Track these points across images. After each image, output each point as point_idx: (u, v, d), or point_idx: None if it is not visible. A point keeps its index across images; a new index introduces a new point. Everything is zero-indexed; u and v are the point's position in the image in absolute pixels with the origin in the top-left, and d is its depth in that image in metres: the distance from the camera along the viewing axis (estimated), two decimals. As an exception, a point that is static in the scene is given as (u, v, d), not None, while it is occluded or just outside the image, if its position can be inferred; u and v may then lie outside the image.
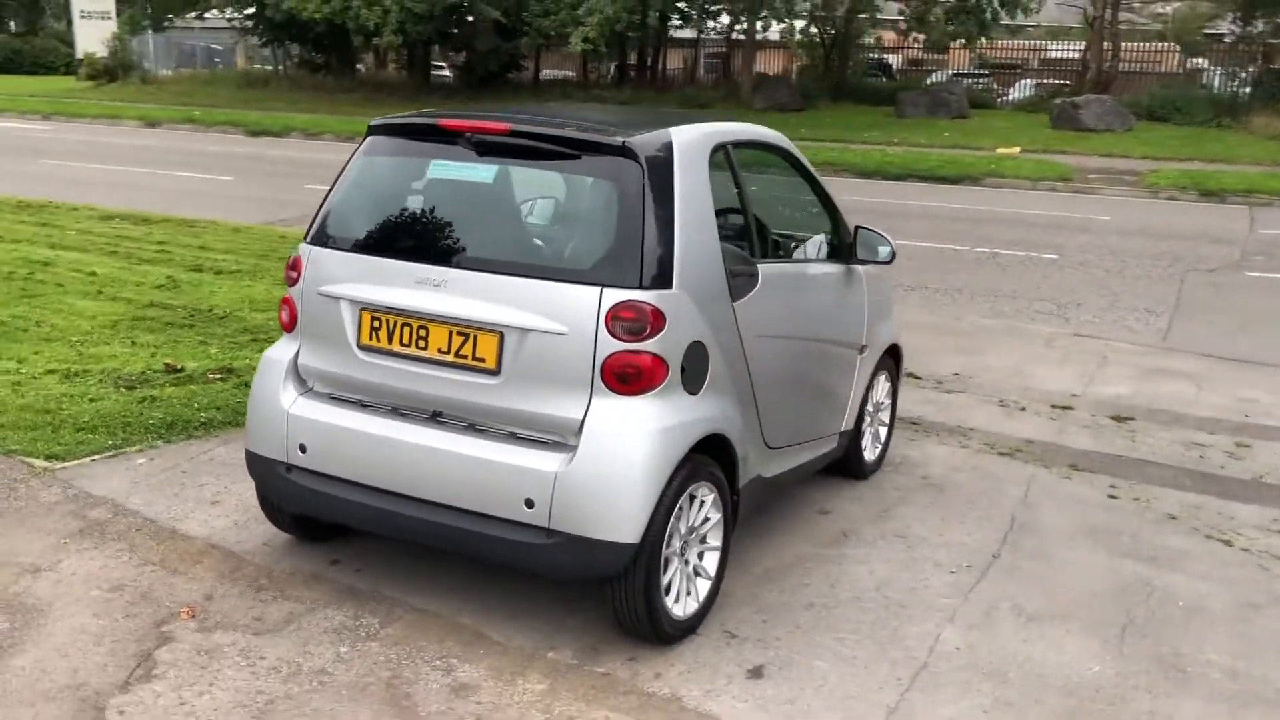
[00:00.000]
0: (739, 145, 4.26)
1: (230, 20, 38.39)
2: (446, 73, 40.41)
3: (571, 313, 3.45)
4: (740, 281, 3.93)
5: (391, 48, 32.97)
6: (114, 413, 5.64)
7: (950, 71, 37.99)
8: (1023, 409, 6.60)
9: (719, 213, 3.89)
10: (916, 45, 37.73)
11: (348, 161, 4.04)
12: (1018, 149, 22.64)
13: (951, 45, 34.73)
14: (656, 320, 3.45)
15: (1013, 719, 3.37)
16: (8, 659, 3.46)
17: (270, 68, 41.40)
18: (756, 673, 3.57)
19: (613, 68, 37.14)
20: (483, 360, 3.57)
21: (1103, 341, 8.39)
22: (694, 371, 3.63)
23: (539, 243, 3.87)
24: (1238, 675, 3.69)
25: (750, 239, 4.21)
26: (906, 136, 24.70)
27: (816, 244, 4.90)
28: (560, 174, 3.98)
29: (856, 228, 4.89)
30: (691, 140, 3.84)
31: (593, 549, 3.42)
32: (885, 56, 39.74)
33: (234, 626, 3.71)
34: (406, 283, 3.67)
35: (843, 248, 4.88)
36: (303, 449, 3.84)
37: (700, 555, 3.83)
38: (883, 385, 5.45)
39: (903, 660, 3.68)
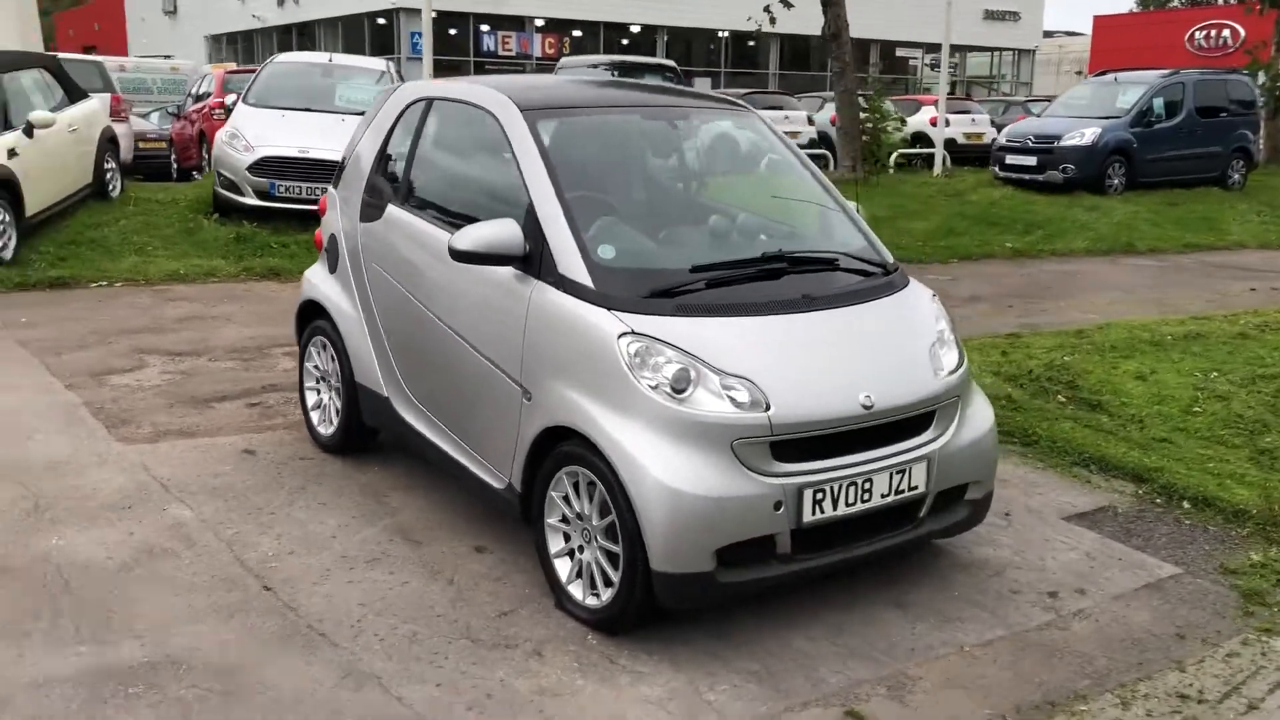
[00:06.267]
0: (449, 101, 4.69)
1: None
2: None
3: None
4: (368, 210, 4.85)
5: None
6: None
7: None
8: None
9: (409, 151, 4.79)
10: None
11: None
12: None
13: None
14: (321, 207, 5.31)
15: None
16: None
17: None
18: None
19: None
20: None
21: None
22: (330, 253, 5.16)
23: None
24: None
25: (399, 181, 4.76)
26: None
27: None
28: None
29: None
30: (401, 90, 5.02)
31: None
32: None
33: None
34: None
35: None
36: None
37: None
38: (599, 499, 3.59)
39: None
